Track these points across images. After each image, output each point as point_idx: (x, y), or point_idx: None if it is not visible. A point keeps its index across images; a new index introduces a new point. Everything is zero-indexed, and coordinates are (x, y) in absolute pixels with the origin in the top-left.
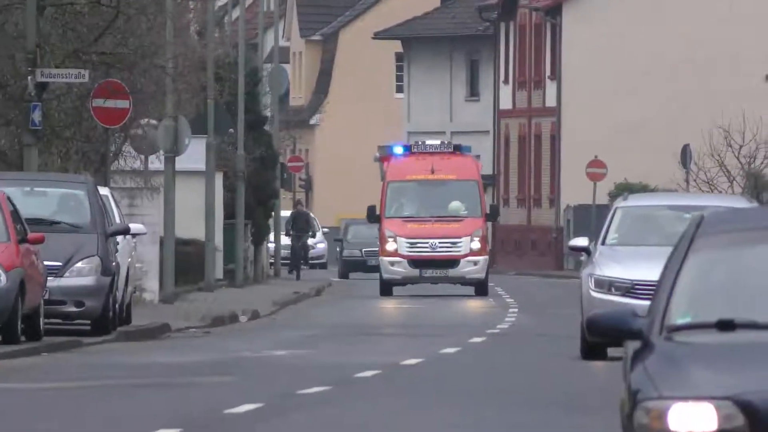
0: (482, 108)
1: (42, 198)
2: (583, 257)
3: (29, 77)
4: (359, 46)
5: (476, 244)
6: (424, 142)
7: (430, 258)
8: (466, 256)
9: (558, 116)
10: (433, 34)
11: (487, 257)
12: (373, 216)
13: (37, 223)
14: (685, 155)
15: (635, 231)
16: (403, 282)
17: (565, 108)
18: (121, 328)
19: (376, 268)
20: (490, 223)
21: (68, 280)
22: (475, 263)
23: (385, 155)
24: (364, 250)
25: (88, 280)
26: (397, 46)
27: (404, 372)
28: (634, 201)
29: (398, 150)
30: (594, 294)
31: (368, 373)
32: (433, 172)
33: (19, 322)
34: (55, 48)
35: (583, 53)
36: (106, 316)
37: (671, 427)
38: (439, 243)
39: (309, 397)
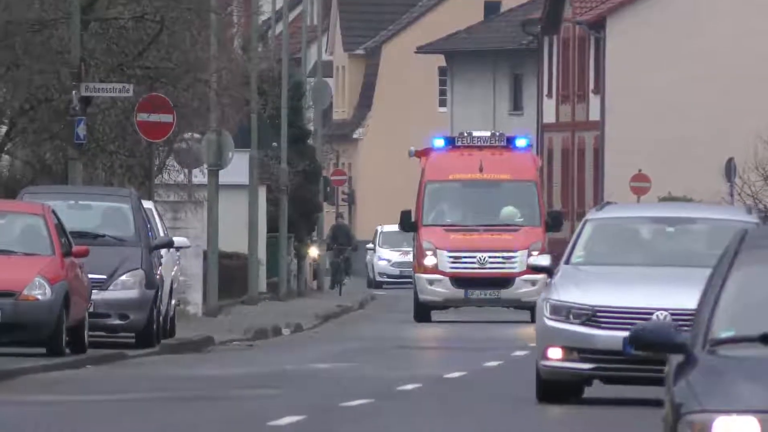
0: (526, 122)
1: (86, 211)
2: (548, 280)
3: (74, 92)
4: (402, 60)
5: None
6: (470, 134)
7: (477, 276)
8: (522, 274)
9: (601, 130)
10: (477, 48)
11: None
12: (408, 223)
13: (81, 236)
14: (730, 169)
15: (606, 248)
16: (445, 305)
17: (608, 122)
18: (165, 340)
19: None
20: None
21: (113, 293)
22: (533, 283)
23: (422, 150)
24: None
25: (132, 293)
26: (440, 60)
27: (446, 385)
28: (610, 212)
29: (439, 143)
30: (549, 322)
31: (410, 386)
32: (481, 170)
33: (64, 335)
34: (100, 62)
35: (627, 67)
36: (151, 329)
37: None
38: (489, 258)
39: (352, 409)
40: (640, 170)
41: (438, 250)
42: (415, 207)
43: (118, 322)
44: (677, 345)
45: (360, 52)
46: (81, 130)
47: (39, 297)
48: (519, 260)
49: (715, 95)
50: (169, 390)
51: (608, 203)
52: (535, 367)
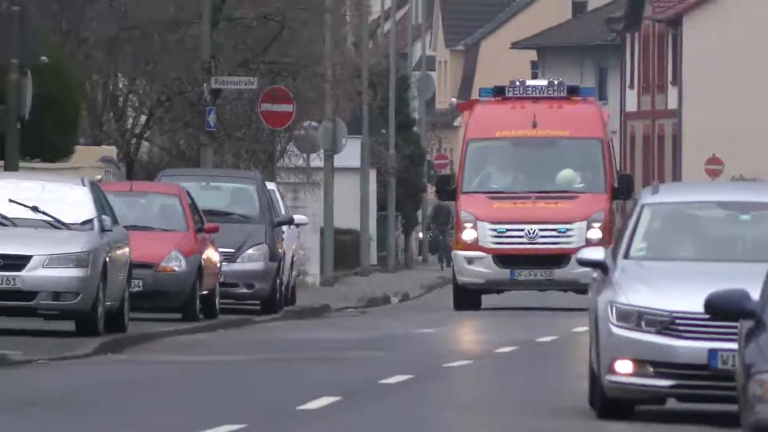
0: (610, 111)
1: (217, 192)
2: (596, 275)
3: (205, 84)
4: (498, 55)
5: (595, 233)
6: (524, 83)
7: (525, 253)
8: (580, 249)
9: (679, 118)
10: (566, 43)
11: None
12: (445, 190)
13: (212, 214)
14: None
15: (671, 239)
16: (487, 288)
17: (685, 110)
18: (287, 307)
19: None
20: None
21: (240, 265)
22: None
23: (467, 102)
24: None
25: (257, 265)
26: (532, 54)
27: (540, 348)
28: (668, 195)
29: (486, 94)
30: (616, 330)
31: (507, 349)
32: (535, 126)
33: (198, 302)
34: (228, 58)
35: (702, 60)
36: (274, 297)
37: None
38: (540, 231)
39: (453, 369)
40: (714, 154)
41: (479, 222)
42: (457, 171)
43: (245, 291)
44: (748, 311)
45: (460, 47)
46: (211, 119)
47: (175, 268)
48: (577, 234)
49: None
50: (291, 351)
51: (660, 183)
52: (592, 381)
